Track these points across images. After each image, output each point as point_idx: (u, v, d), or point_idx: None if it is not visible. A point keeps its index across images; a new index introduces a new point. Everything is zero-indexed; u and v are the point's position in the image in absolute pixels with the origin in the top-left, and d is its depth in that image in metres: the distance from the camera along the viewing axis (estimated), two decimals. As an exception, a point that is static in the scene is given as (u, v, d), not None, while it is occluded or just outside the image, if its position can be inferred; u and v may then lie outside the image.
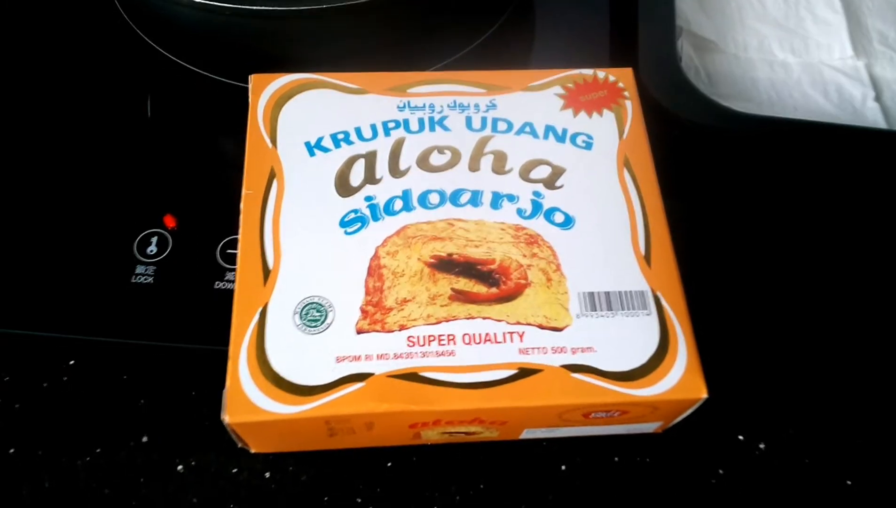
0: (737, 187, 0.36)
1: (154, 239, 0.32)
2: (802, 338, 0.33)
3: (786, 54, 0.40)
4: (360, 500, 0.28)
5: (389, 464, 0.29)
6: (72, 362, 0.31)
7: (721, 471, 0.29)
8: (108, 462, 0.29)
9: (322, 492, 0.28)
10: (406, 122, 0.30)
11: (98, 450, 0.29)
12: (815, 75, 0.39)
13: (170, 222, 0.33)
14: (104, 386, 0.31)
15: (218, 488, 0.28)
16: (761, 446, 0.30)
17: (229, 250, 0.32)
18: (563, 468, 0.29)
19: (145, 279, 0.31)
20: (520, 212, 0.28)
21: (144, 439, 0.29)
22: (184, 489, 0.28)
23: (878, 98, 0.38)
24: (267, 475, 0.29)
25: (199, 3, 0.31)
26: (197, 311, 0.30)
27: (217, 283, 0.31)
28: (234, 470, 0.29)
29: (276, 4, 0.31)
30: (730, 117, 0.33)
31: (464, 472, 0.29)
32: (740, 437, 0.30)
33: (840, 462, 0.30)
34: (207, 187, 0.34)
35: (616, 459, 0.30)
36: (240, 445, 0.26)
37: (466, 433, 0.27)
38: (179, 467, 0.29)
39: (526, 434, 0.28)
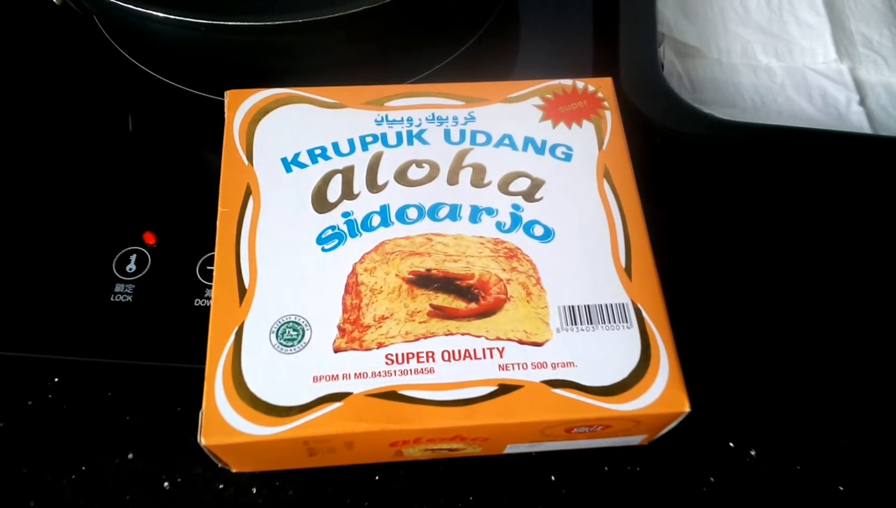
0: (720, 195, 0.36)
1: (133, 257, 0.32)
2: (791, 344, 0.32)
3: (769, 59, 0.39)
4: (346, 515, 0.28)
5: (377, 478, 0.29)
6: (56, 379, 0.31)
7: (712, 479, 0.29)
8: (94, 479, 0.29)
9: (309, 507, 0.28)
10: (384, 136, 0.30)
11: (84, 468, 0.29)
12: (799, 80, 0.39)
13: (149, 239, 0.33)
14: (89, 403, 0.30)
15: (204, 504, 0.28)
16: (752, 453, 0.30)
17: (209, 267, 0.32)
18: (553, 478, 0.29)
19: (124, 298, 0.31)
20: (499, 225, 0.28)
21: (130, 455, 0.29)
22: (170, 505, 0.28)
23: (862, 102, 0.38)
24: (254, 490, 0.29)
25: (176, 19, 0.31)
26: (177, 329, 0.30)
27: (197, 300, 0.31)
28: (221, 486, 0.29)
29: (252, 19, 0.31)
30: (713, 124, 0.33)
31: (452, 484, 0.29)
32: (731, 444, 0.30)
33: (832, 468, 0.30)
34: (187, 203, 0.34)
35: (606, 469, 0.30)
36: (220, 465, 0.26)
37: (449, 450, 0.27)
38: (166, 483, 0.29)
39: (509, 450, 0.28)
